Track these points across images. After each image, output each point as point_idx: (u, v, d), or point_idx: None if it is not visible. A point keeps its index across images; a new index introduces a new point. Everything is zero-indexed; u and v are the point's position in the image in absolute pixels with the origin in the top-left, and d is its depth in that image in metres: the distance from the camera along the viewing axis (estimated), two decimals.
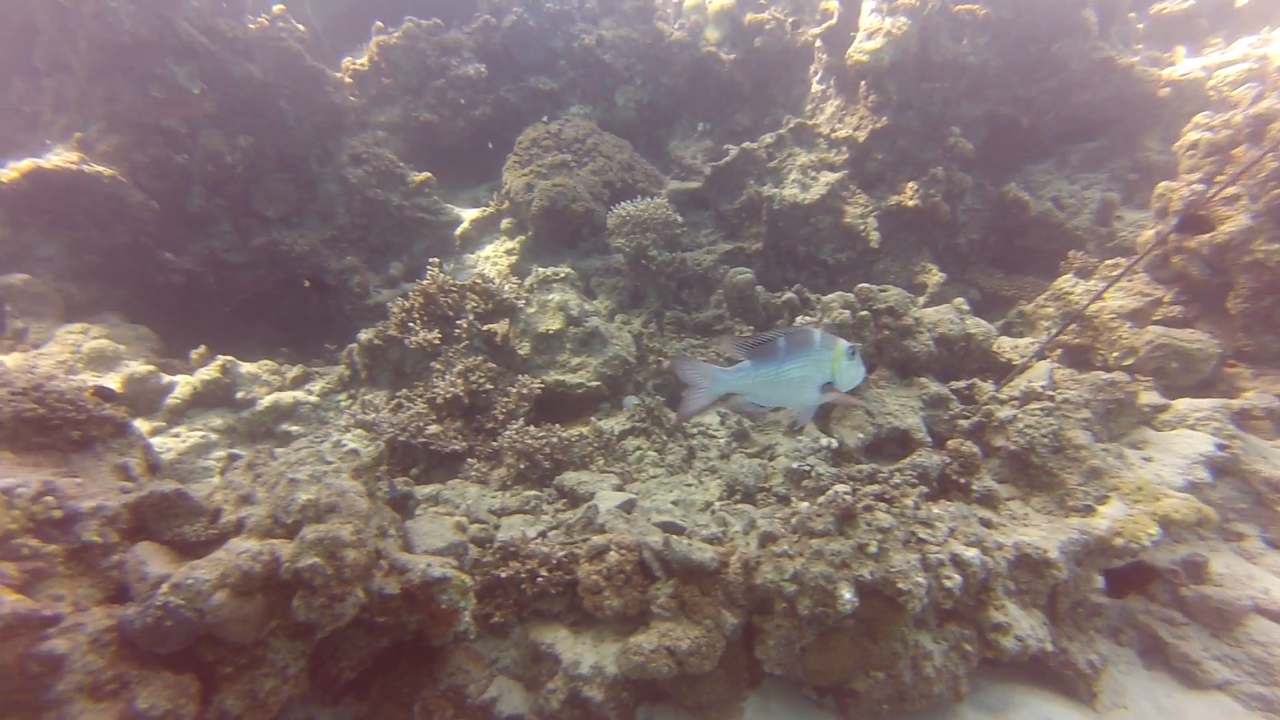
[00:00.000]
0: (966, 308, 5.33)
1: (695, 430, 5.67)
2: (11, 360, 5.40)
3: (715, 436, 5.55)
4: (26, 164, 5.73)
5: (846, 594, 3.07)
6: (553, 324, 5.68)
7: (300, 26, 6.97)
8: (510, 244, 6.82)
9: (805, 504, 3.67)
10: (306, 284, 6.81)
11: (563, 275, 5.93)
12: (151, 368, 5.58)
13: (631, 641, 3.37)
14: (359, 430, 4.08)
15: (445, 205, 7.23)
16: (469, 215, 7.15)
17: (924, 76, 6.51)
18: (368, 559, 3.01)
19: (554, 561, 3.75)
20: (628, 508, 4.31)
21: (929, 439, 4.73)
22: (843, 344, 2.73)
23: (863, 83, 6.65)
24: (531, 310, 5.73)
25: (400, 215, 7.08)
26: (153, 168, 6.49)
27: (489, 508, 4.53)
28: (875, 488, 3.59)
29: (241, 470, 3.55)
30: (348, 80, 7.36)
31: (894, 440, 5.01)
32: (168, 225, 6.67)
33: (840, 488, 3.53)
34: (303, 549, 2.86)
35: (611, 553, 3.58)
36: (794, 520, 3.62)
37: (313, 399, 5.82)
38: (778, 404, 2.95)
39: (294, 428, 5.71)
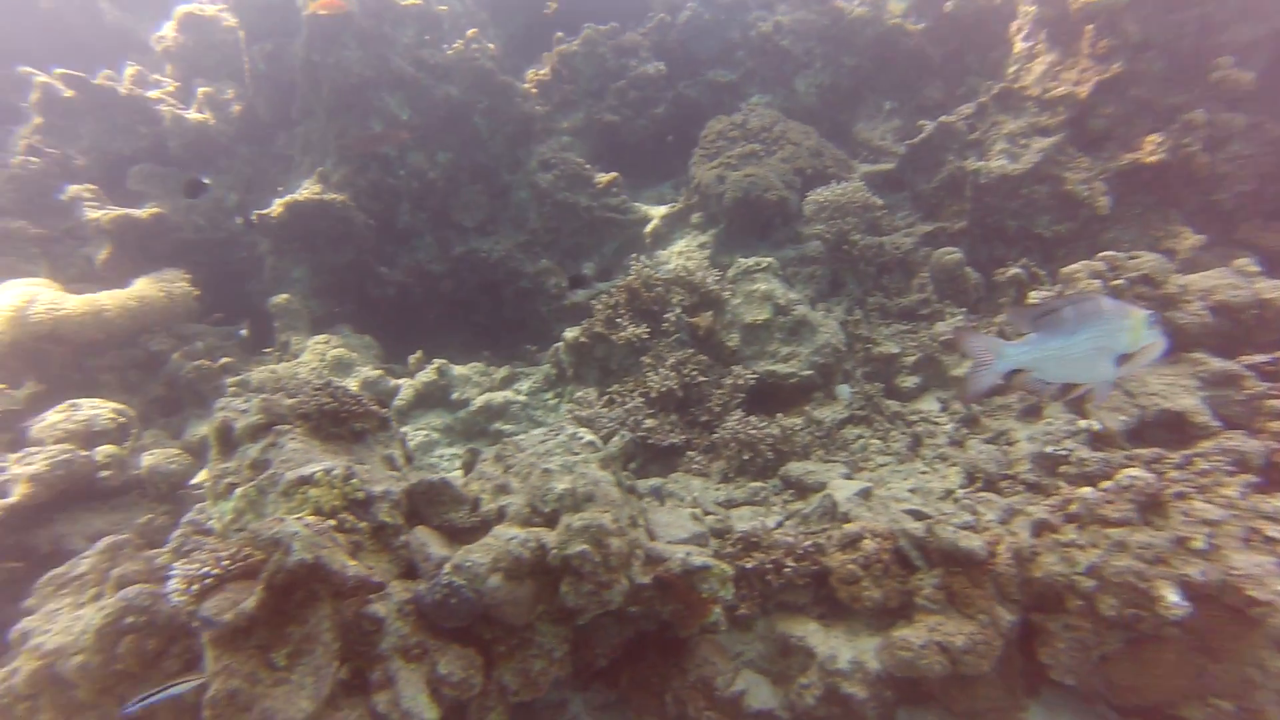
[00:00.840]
0: (1255, 268, 4.60)
1: (915, 417, 5.36)
2: (284, 368, 6.11)
3: (938, 423, 5.21)
4: (287, 199, 6.48)
5: (1171, 595, 2.68)
6: (759, 314, 5.58)
7: (490, 45, 7.40)
8: (702, 238, 6.82)
9: (1088, 490, 3.29)
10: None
11: (764, 265, 5.83)
12: (380, 372, 6.11)
13: (896, 635, 3.18)
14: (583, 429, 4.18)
15: (633, 204, 7.36)
16: (658, 212, 7.23)
17: (1173, 5, 5.74)
18: (628, 547, 3.04)
19: (800, 551, 3.63)
20: (865, 496, 4.10)
21: (1217, 423, 4.11)
22: (1140, 312, 2.42)
23: (1089, 27, 6.00)
24: (736, 301, 5.67)
25: (590, 216, 7.30)
26: (370, 190, 7.14)
27: (715, 500, 4.50)
28: (1179, 473, 3.14)
29: (490, 462, 3.73)
30: (532, 91, 7.71)
31: (1162, 424, 4.42)
32: (381, 242, 7.30)
33: (1135, 472, 3.13)
34: (569, 536, 2.93)
35: (866, 540, 3.40)
36: (1073, 508, 3.26)
37: (521, 398, 6.09)
38: (1068, 379, 2.66)
39: (506, 426, 6.01)
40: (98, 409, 5.32)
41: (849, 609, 3.47)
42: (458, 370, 6.27)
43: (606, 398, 5.39)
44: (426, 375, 6.09)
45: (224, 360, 6.28)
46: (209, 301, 6.80)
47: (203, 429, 5.95)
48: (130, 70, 7.38)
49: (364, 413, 3.52)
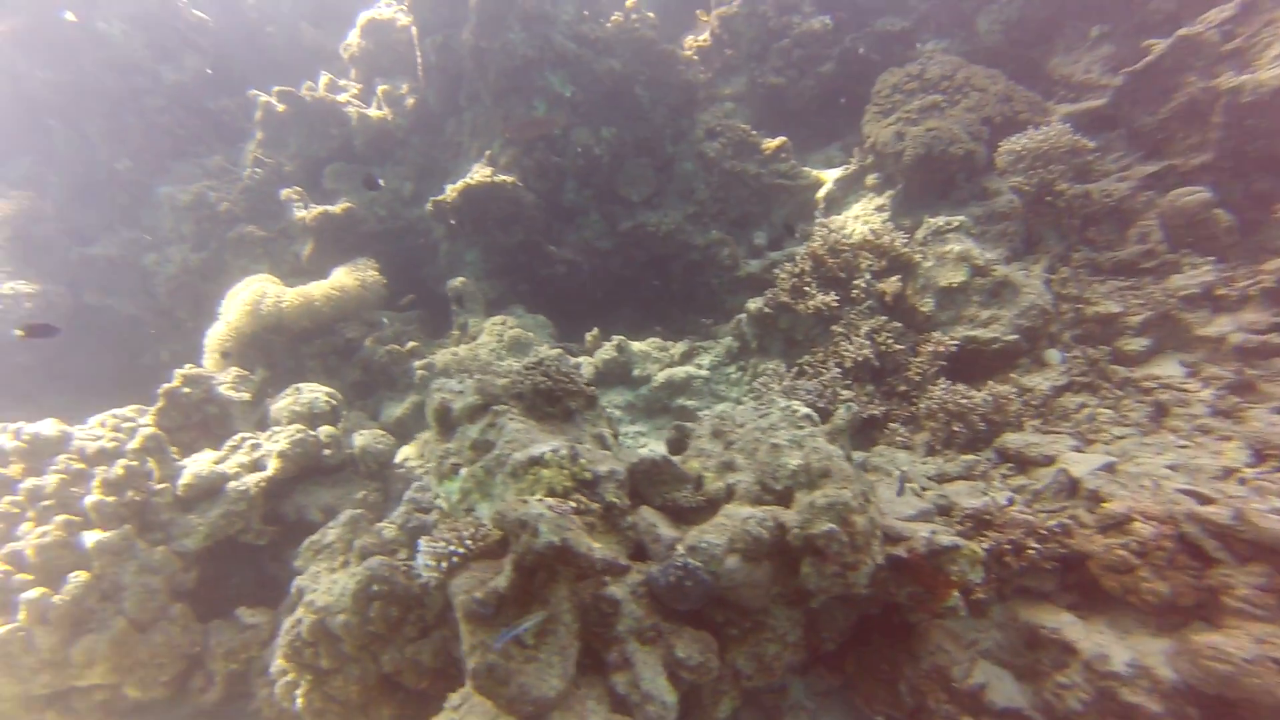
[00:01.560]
0: None
1: (1152, 383, 4.72)
2: (464, 350, 6.40)
3: (1187, 389, 4.55)
4: (459, 184, 6.75)
5: None
6: (955, 276, 5.13)
7: (650, 14, 7.26)
8: (879, 200, 6.37)
9: None
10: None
11: (956, 224, 5.36)
12: (558, 351, 6.20)
13: (1200, 641, 2.75)
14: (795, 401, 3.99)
15: (802, 169, 7.00)
16: (830, 175, 6.83)
17: None
18: (870, 525, 2.84)
19: (1043, 531, 3.26)
20: (1110, 471, 3.63)
21: None
22: None
23: None
24: (928, 264, 5.24)
25: (758, 184, 7.04)
26: (536, 170, 7.27)
27: (925, 474, 4.18)
28: None
29: (707, 438, 3.64)
30: (693, 58, 7.50)
31: None
32: (548, 221, 7.42)
33: None
34: (813, 514, 2.77)
35: (1137, 524, 2.99)
36: None
37: (703, 373, 6.00)
38: None
39: (689, 402, 5.94)
40: (315, 393, 5.81)
41: (1114, 601, 3.08)
42: (637, 346, 6.28)
43: (796, 369, 5.17)
44: (606, 352, 6.15)
45: (411, 344, 6.67)
46: (392, 288, 7.24)
47: (397, 410, 6.37)
48: (324, 79, 7.95)
49: (576, 390, 3.54)
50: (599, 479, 2.99)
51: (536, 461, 2.93)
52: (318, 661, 3.58)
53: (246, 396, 5.98)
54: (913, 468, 4.28)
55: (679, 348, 6.28)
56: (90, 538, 4.23)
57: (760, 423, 3.34)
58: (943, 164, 6.12)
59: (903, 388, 4.83)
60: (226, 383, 6.06)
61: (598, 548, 2.51)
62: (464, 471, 3.29)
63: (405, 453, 5.74)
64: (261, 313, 6.41)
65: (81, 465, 4.55)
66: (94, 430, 4.98)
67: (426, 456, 5.63)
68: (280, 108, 7.65)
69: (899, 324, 5.05)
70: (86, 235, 8.31)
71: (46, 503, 4.31)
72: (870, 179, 6.67)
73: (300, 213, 7.15)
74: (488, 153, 7.14)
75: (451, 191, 6.91)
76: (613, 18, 7.31)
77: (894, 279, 5.40)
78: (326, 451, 5.28)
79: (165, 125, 8.27)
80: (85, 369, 8.29)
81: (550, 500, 2.66)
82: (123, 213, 8.28)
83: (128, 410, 5.88)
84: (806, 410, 3.52)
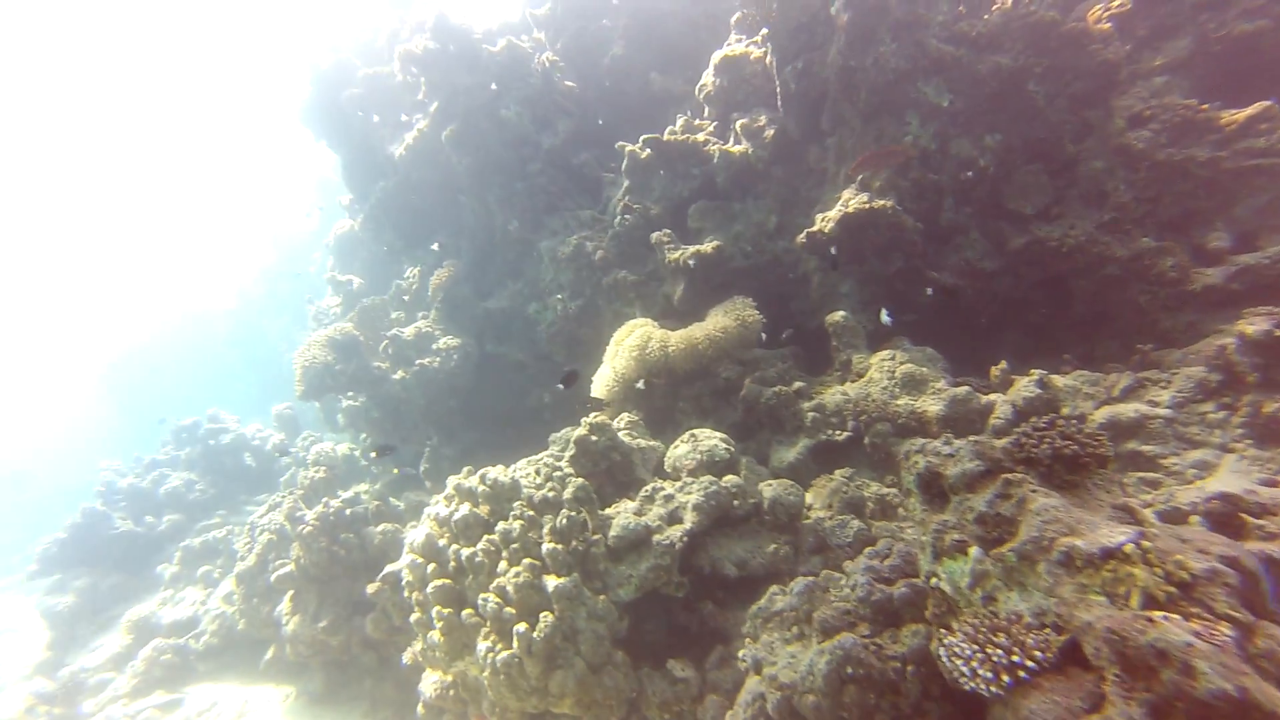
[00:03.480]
0: None
1: None
2: (853, 389, 6.11)
3: None
4: (835, 213, 6.53)
5: None
6: None
7: None
8: None
9: None
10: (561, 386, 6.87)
11: None
12: (964, 388, 5.59)
13: None
14: None
15: None
16: None
17: None
18: None
19: None
20: None
21: None
22: None
23: None
24: None
25: (1210, 172, 5.73)
26: (912, 190, 6.76)
27: None
28: None
29: None
30: (1105, 29, 6.40)
31: None
32: (924, 244, 6.84)
33: None
34: None
35: None
36: None
37: (1162, 412, 4.97)
38: None
39: (1144, 447, 4.96)
40: (713, 440, 5.92)
41: None
42: (1059, 381, 5.44)
43: None
44: (1026, 389, 5.39)
45: (797, 384, 6.53)
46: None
47: (788, 454, 6.25)
48: (680, 120, 8.35)
49: (1101, 454, 2.98)
50: (1196, 581, 2.40)
51: (1111, 554, 2.44)
52: None
53: (643, 443, 6.32)
54: None
55: (1120, 380, 5.30)
56: (550, 582, 4.65)
57: None
58: None
59: None
60: (623, 429, 6.47)
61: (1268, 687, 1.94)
62: (974, 552, 2.91)
63: (805, 500, 5.60)
64: (647, 357, 6.78)
65: (532, 512, 5.07)
66: (530, 476, 5.57)
67: (834, 509, 5.41)
68: (643, 154, 8.17)
69: None
70: (485, 290, 9.70)
71: (515, 545, 4.85)
72: None
73: (672, 254, 7.49)
74: (860, 177, 6.82)
75: (826, 221, 6.72)
76: (996, 5, 6.57)
77: None
78: (735, 502, 5.30)
79: (542, 186, 9.34)
80: (487, 409, 9.66)
81: (1173, 617, 2.15)
82: (511, 268, 9.52)
83: (546, 456, 6.57)
84: None
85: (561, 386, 7.29)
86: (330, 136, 11.83)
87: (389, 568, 6.53)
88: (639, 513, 5.28)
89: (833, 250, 6.75)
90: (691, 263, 7.37)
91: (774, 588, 4.25)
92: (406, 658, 6.12)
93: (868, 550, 3.88)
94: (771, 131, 7.71)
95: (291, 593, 7.39)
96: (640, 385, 6.72)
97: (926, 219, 6.90)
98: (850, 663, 3.27)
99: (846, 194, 6.80)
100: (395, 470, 8.56)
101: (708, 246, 7.48)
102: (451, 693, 5.24)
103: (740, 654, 4.32)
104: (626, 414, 6.73)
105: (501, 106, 9.17)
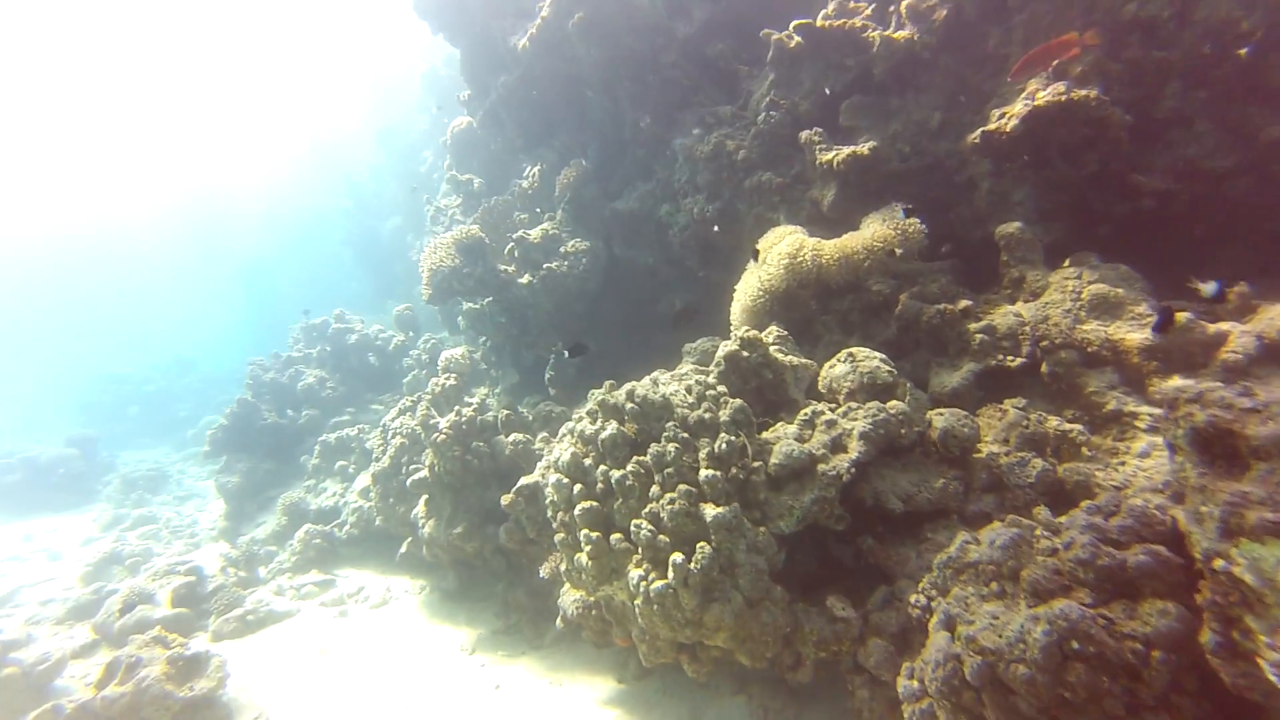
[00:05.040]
0: None
1: None
2: (1027, 310, 5.53)
3: None
4: (1018, 108, 5.74)
5: None
6: None
7: None
8: None
9: None
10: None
11: None
12: (1187, 315, 4.90)
13: None
14: None
15: None
16: None
17: None
18: None
19: None
20: None
21: None
22: None
23: None
24: None
25: None
26: (1125, 75, 5.83)
27: None
28: None
29: None
30: None
31: None
32: (1130, 141, 5.94)
33: None
34: None
35: None
36: None
37: None
38: None
39: None
40: (873, 360, 5.52)
41: None
42: None
43: None
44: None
45: (963, 303, 5.98)
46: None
47: (951, 379, 5.79)
48: (832, 3, 7.49)
49: None
50: None
51: None
52: (979, 709, 3.24)
53: (794, 360, 5.99)
54: None
55: None
56: (708, 511, 4.51)
57: None
58: None
59: None
60: (773, 344, 6.15)
61: None
62: None
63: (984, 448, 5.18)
64: (799, 267, 6.36)
65: (686, 434, 4.89)
66: (680, 394, 5.37)
67: (1012, 444, 4.97)
68: (792, 43, 7.43)
69: None
70: (613, 191, 9.36)
71: (669, 470, 4.72)
72: None
73: (824, 155, 6.89)
74: (1055, 62, 5.90)
75: (1008, 118, 5.94)
76: None
77: None
78: (901, 430, 4.95)
79: (675, 79, 8.75)
80: (614, 315, 9.53)
81: None
82: (641, 168, 9.11)
83: (692, 370, 6.36)
84: None
85: (567, 355, 7.11)
86: (449, 29, 11.48)
87: (523, 480, 6.64)
88: (800, 438, 5.03)
89: (1022, 156, 5.95)
90: (845, 165, 6.74)
91: (963, 535, 3.94)
92: (544, 571, 6.28)
93: (1086, 505, 3.48)
94: (944, 12, 6.78)
95: (426, 497, 7.71)
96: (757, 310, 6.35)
97: (1138, 110, 5.96)
98: (1076, 636, 2.96)
99: (1034, 84, 5.93)
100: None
101: (863, 148, 6.81)
102: (594, 613, 5.33)
103: (912, 598, 4.10)
104: (774, 328, 6.39)
105: None
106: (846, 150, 6.81)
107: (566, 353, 6.88)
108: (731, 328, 7.20)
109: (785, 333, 6.39)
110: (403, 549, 8.64)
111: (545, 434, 7.70)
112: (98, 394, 33.03)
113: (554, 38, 9.38)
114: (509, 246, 9.30)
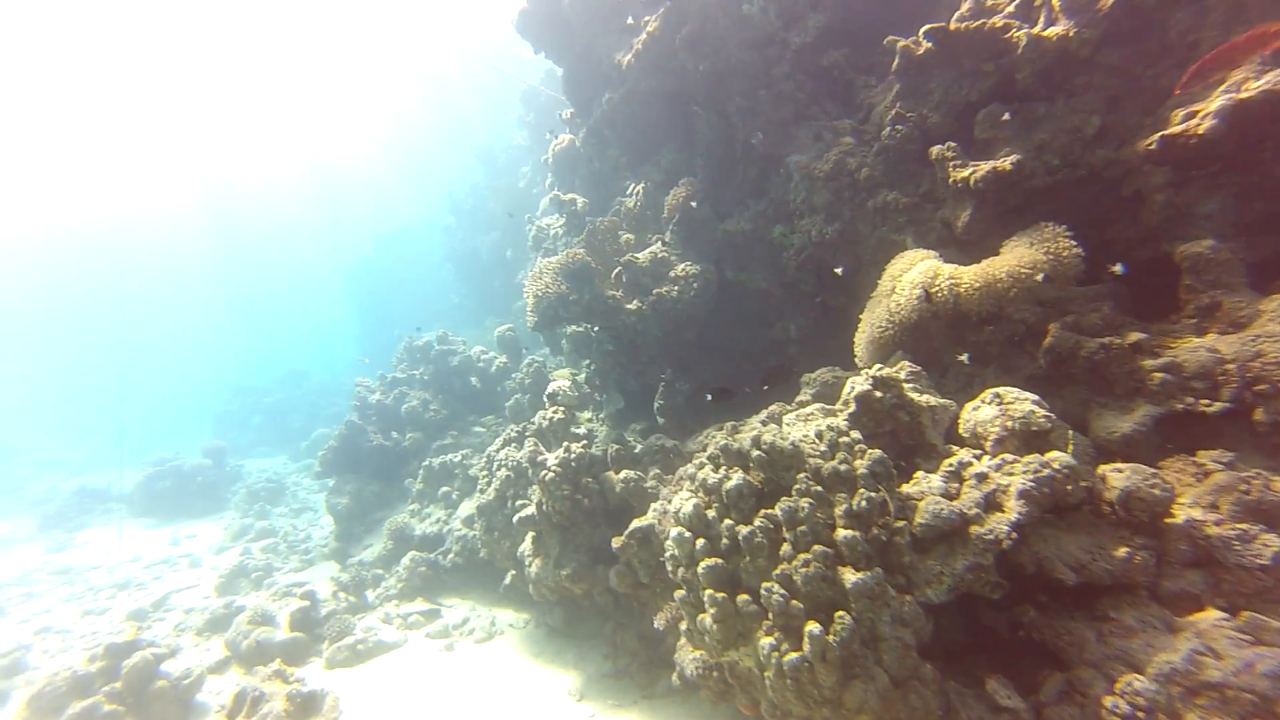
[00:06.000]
0: None
1: None
2: (1225, 345, 4.80)
3: None
4: (1215, 104, 5.03)
5: None
6: None
7: None
8: None
9: None
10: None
11: None
12: None
13: None
14: None
15: None
16: None
17: None
18: None
19: None
20: None
21: None
22: None
23: None
24: None
25: None
26: None
27: None
28: None
29: None
30: None
31: None
32: None
33: None
34: None
35: None
36: None
37: None
38: None
39: None
40: (1025, 402, 4.94)
41: None
42: None
43: None
44: None
45: (1133, 336, 5.29)
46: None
47: (1121, 424, 5.12)
48: (966, 4, 6.89)
49: None
50: None
51: None
52: None
53: (931, 400, 5.47)
54: None
55: None
56: (847, 576, 4.10)
57: None
58: None
59: None
60: (906, 382, 5.65)
61: None
62: None
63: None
64: (934, 296, 5.81)
65: (820, 487, 4.49)
66: (810, 440, 4.96)
67: (1224, 511, 4.29)
68: (920, 50, 6.87)
69: None
70: (722, 211, 9.02)
71: (801, 528, 4.33)
72: None
73: (959, 172, 6.31)
74: (1242, 63, 5.15)
75: (1200, 118, 5.20)
76: None
77: None
78: (1068, 487, 4.37)
79: (788, 92, 8.33)
80: (725, 341, 9.17)
81: None
82: (753, 186, 8.72)
83: (818, 414, 5.94)
84: None
85: (710, 398, 6.66)
86: (550, 47, 11.46)
87: (635, 523, 6.38)
88: (947, 494, 4.53)
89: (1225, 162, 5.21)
90: (984, 182, 6.14)
91: (1190, 643, 3.36)
92: (659, 623, 5.99)
93: None
94: (1108, 2, 6.06)
95: (533, 535, 7.57)
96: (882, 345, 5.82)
97: None
98: None
99: (1238, 74, 5.17)
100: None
101: (1005, 162, 6.18)
102: (715, 674, 4.99)
103: (1108, 702, 3.55)
104: (905, 363, 5.88)
105: (744, 0, 8.14)
106: (986, 166, 6.21)
107: (709, 396, 6.56)
108: (857, 360, 6.72)
109: (918, 368, 5.87)
110: (507, 580, 8.57)
111: (657, 470, 7.42)
112: (228, 404, 35.72)
113: (660, 52, 9.15)
114: (616, 270, 9.10)
